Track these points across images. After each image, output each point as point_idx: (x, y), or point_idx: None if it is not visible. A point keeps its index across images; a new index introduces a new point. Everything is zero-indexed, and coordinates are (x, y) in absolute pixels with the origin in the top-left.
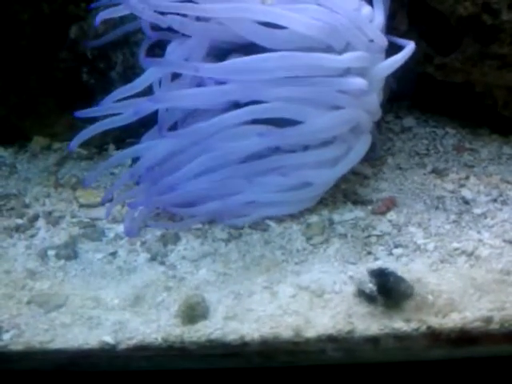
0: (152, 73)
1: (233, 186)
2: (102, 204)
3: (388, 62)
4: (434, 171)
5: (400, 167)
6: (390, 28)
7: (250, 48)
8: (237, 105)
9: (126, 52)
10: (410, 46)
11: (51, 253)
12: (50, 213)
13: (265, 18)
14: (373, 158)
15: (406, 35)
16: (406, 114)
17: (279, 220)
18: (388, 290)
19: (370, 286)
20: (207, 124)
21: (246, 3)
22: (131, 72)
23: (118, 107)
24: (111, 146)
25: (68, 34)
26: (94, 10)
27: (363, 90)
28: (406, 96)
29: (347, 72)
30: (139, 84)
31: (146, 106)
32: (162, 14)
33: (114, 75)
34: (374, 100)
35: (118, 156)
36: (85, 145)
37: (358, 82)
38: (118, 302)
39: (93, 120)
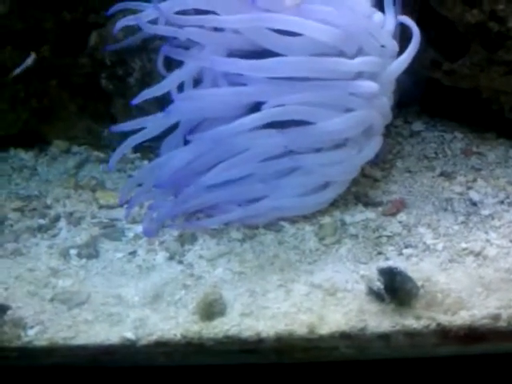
0: (175, 75)
1: (252, 192)
2: (121, 205)
3: (396, 63)
4: (443, 174)
5: (409, 170)
6: (399, 35)
7: (265, 55)
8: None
9: (143, 58)
10: (414, 44)
11: (73, 252)
12: (70, 213)
13: (280, 25)
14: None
15: None
16: (414, 119)
17: (292, 221)
18: (394, 289)
19: (378, 285)
20: (226, 128)
21: (260, 13)
22: (149, 78)
23: (150, 120)
24: (129, 150)
25: (88, 40)
26: (113, 17)
27: (374, 93)
28: (415, 101)
29: (359, 76)
30: (164, 86)
31: (177, 112)
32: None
33: (132, 81)
34: (385, 103)
35: (142, 172)
36: (103, 148)
37: (369, 85)
38: (138, 299)
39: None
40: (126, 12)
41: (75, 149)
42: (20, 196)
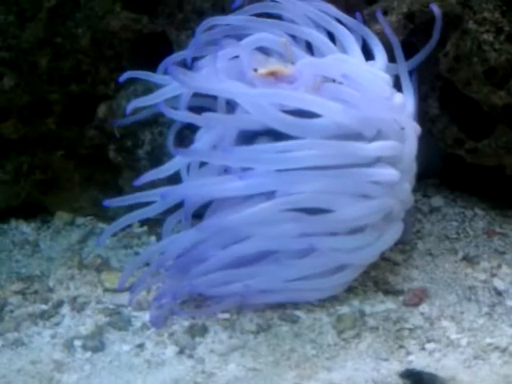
0: (180, 159)
1: (266, 272)
2: (126, 289)
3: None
4: (465, 258)
5: (430, 253)
6: (421, 111)
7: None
8: None
9: (154, 131)
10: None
11: (77, 343)
12: (74, 298)
13: (298, 104)
14: (402, 241)
15: (437, 119)
16: (434, 193)
17: (308, 310)
18: None
19: None
20: (236, 217)
21: (277, 88)
22: (159, 151)
23: (146, 196)
24: (136, 223)
25: (96, 112)
26: (122, 89)
27: (395, 182)
28: (435, 174)
29: (378, 160)
30: (167, 168)
31: (174, 196)
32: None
33: (142, 154)
34: (406, 189)
35: (145, 254)
36: (108, 219)
37: (389, 174)
38: None
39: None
40: (136, 82)
41: (79, 220)
42: (21, 276)
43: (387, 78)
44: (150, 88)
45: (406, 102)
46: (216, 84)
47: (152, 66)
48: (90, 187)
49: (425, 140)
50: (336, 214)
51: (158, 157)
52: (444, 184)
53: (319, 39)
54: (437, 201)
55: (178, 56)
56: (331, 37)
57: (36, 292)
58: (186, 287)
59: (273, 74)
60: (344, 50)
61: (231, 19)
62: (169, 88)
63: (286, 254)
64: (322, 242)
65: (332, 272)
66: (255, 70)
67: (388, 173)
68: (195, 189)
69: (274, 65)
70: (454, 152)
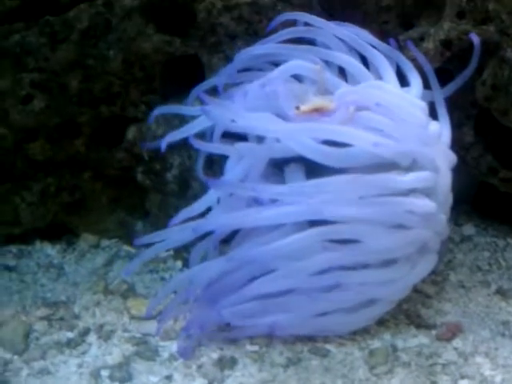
0: (212, 195)
1: (296, 304)
2: (153, 317)
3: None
4: (499, 292)
5: (463, 285)
6: (455, 139)
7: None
8: None
9: (183, 154)
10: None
11: (105, 373)
12: (101, 326)
13: (331, 136)
14: (433, 271)
15: (471, 147)
16: (465, 221)
17: (339, 344)
18: None
19: None
20: (266, 249)
21: (308, 123)
22: (188, 175)
23: (177, 232)
24: None
25: (125, 134)
26: (151, 110)
27: (431, 213)
28: (466, 201)
29: (413, 190)
30: (199, 206)
31: (204, 228)
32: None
33: (170, 177)
34: (442, 220)
35: (173, 283)
36: None
37: (425, 205)
38: None
39: (145, 218)
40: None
41: (105, 243)
42: (47, 302)
43: (423, 106)
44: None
45: (441, 131)
46: (249, 120)
47: (183, 88)
48: (116, 209)
49: (457, 167)
50: (369, 245)
51: (186, 180)
52: (475, 210)
53: (353, 65)
54: (468, 229)
55: (209, 83)
56: (364, 61)
57: (62, 318)
58: (214, 317)
59: (317, 110)
60: (379, 76)
61: (265, 48)
62: (201, 120)
63: (316, 287)
64: (351, 278)
65: (362, 306)
66: (297, 108)
67: (424, 204)
68: (227, 220)
69: (315, 100)
70: (488, 181)
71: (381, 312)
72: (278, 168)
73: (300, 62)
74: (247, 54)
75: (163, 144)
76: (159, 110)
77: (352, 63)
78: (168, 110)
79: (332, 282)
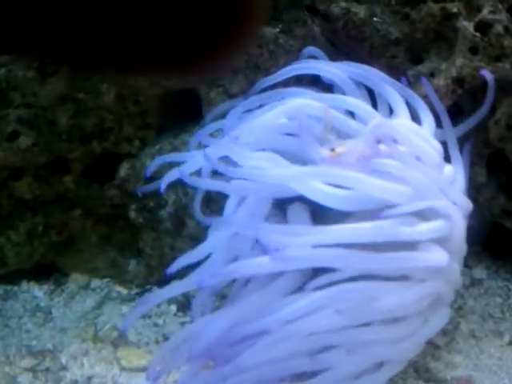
0: (215, 238)
1: (299, 367)
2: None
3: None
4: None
5: (474, 335)
6: (467, 178)
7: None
8: None
9: (178, 191)
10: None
11: None
12: (89, 378)
13: (339, 182)
14: None
15: (483, 187)
16: (475, 262)
17: None
18: None
19: None
20: (271, 320)
21: (310, 167)
22: (183, 212)
23: (182, 287)
24: (155, 288)
25: (117, 170)
26: (147, 148)
27: (444, 266)
28: (477, 241)
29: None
30: (198, 253)
31: (208, 280)
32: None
33: (165, 215)
34: (456, 270)
35: (174, 340)
36: (126, 282)
37: (438, 258)
38: None
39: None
40: (161, 140)
41: (95, 283)
42: (32, 350)
43: (438, 147)
44: (176, 147)
45: (456, 176)
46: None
47: (179, 122)
48: (107, 247)
49: None
50: (377, 304)
51: (181, 219)
52: (485, 250)
53: (361, 108)
54: (478, 272)
55: (211, 128)
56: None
57: (48, 369)
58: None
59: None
60: (388, 113)
61: (269, 94)
62: (199, 159)
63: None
64: (360, 335)
65: (369, 371)
66: (332, 150)
67: (436, 258)
68: (232, 269)
69: (347, 142)
70: (501, 223)
71: (388, 376)
72: (279, 207)
73: (309, 101)
74: (252, 98)
75: (162, 185)
76: (158, 161)
77: (360, 106)
78: (167, 159)
79: (337, 342)
